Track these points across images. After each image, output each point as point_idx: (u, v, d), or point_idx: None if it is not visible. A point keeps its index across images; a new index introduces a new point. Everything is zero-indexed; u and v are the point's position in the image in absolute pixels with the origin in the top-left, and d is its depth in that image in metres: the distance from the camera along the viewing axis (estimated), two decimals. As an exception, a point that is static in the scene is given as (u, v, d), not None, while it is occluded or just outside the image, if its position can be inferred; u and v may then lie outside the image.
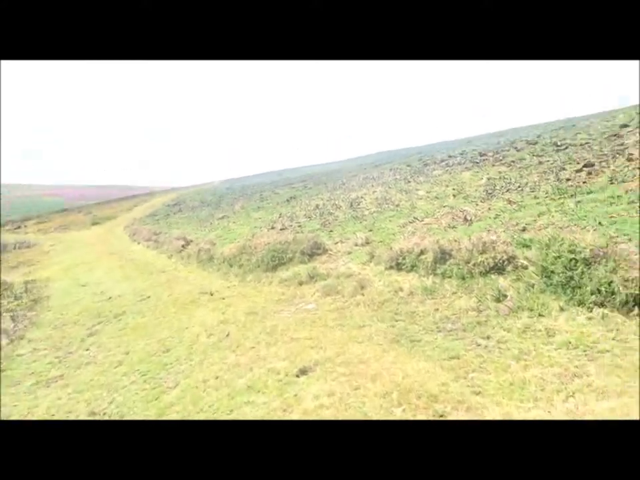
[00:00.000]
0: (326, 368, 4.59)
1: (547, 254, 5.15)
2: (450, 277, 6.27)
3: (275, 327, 6.19)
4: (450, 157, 19.57)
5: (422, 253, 7.00)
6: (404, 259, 7.23)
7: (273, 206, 19.29)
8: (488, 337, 4.57)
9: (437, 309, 5.61)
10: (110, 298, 9.88)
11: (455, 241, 6.86)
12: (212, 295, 8.78)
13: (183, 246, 14.38)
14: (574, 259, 4.80)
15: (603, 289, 4.38)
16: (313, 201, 17.83)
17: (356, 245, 9.49)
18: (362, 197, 15.42)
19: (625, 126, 14.14)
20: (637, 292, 4.12)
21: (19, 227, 33.68)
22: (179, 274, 11.44)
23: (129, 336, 7.13)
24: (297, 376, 4.55)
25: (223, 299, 8.34)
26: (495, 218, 8.69)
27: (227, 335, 6.27)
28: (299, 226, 13.12)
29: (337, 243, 10.14)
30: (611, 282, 4.34)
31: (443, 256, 6.66)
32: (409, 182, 16.26)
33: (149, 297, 9.52)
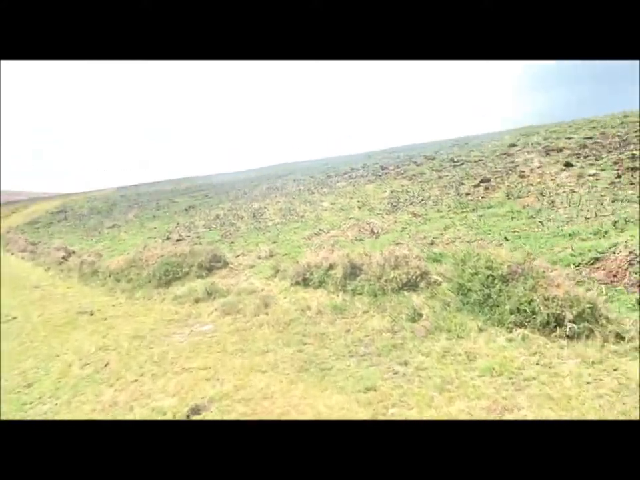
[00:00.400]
0: (223, 406, 3.86)
1: (462, 270, 4.90)
2: (361, 294, 5.83)
3: (164, 354, 5.30)
4: (352, 169, 19.90)
5: (331, 267, 6.50)
6: (311, 274, 6.66)
7: (170, 215, 18.36)
8: (405, 363, 4.14)
9: (349, 330, 5.13)
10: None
11: (366, 255, 6.46)
12: (92, 314, 7.53)
13: (63, 257, 12.82)
14: (491, 275, 4.58)
15: (522, 308, 4.19)
16: (214, 210, 17.19)
17: (259, 258, 8.75)
18: (265, 207, 15.04)
19: (513, 145, 15.16)
20: (559, 311, 3.94)
21: None
22: (55, 290, 9.92)
23: (-17, 368, 5.77)
24: (188, 417, 3.79)
25: (105, 319, 7.16)
26: (401, 231, 8.61)
27: (106, 365, 5.25)
28: (198, 237, 12.31)
29: (238, 255, 9.37)
30: (531, 301, 4.14)
31: (353, 271, 6.22)
32: (313, 193, 16.18)
33: (15, 317, 7.92)
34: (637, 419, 2.68)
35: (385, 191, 13.13)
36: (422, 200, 10.92)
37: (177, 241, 12.06)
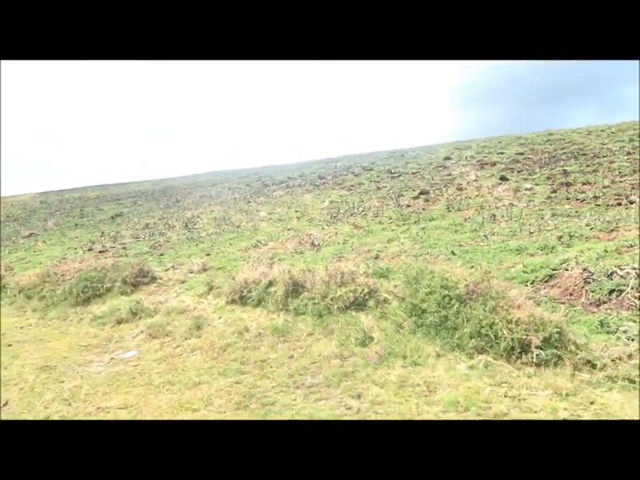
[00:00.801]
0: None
1: (416, 289, 4.54)
2: (304, 314, 5.31)
3: (76, 390, 4.48)
4: (289, 178, 19.58)
5: (270, 284, 5.90)
6: (249, 291, 6.00)
7: (95, 224, 16.57)
8: (359, 396, 3.69)
9: (292, 356, 4.62)
10: None
11: (309, 270, 5.95)
12: (-6, 340, 6.46)
13: None
14: (447, 295, 4.23)
15: (483, 331, 3.84)
16: (143, 219, 15.73)
17: (191, 272, 7.92)
18: (198, 216, 14.10)
19: (448, 158, 15.44)
20: (524, 336, 3.62)
21: None
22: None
23: None
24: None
25: (10, 345, 6.11)
26: (343, 243, 8.28)
27: (4, 405, 4.38)
28: (124, 248, 11.15)
29: (168, 269, 8.46)
30: (492, 324, 3.82)
31: (295, 288, 5.66)
32: (249, 202, 15.59)
33: None
34: (637, 419, 2.65)
35: (324, 201, 12.89)
36: (362, 211, 10.76)
37: (100, 252, 10.85)
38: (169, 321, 5.98)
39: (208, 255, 9.16)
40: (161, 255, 9.88)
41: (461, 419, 3.07)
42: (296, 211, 12.22)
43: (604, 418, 2.93)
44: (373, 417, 3.35)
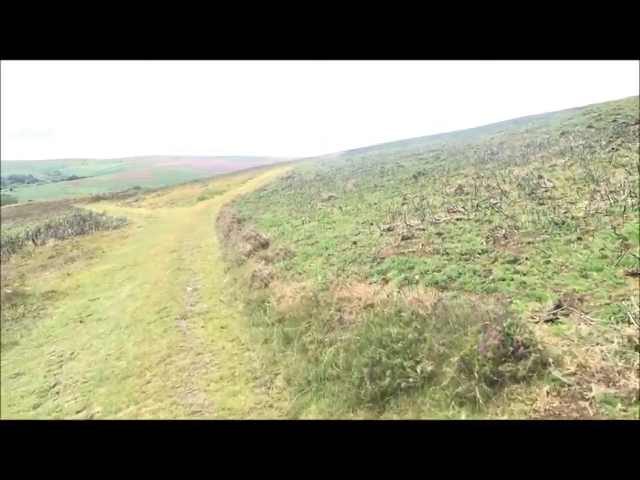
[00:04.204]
0: None
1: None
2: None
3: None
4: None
5: None
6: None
7: (395, 184, 13.59)
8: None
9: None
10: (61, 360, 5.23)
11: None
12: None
13: (249, 253, 8.46)
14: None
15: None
16: (453, 178, 11.82)
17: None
18: (540, 175, 9.13)
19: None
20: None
21: (137, 200, 34.95)
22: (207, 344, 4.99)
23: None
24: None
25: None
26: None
27: None
28: (439, 234, 6.52)
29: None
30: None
31: None
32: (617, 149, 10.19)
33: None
34: (637, 419, 2.56)
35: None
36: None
37: (404, 239, 6.71)
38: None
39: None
40: (519, 263, 4.70)
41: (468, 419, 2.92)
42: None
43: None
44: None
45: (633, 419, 2.43)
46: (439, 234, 6.52)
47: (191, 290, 7.36)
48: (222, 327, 5.40)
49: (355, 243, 7.36)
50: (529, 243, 5.23)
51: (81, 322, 6.67)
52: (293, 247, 8.16)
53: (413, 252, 5.94)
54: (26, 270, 11.82)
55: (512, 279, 4.27)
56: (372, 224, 8.54)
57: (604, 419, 2.41)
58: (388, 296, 4.06)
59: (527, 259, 4.73)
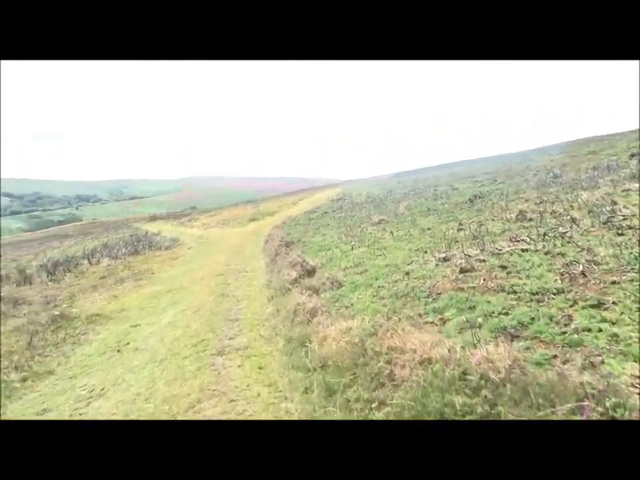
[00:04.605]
0: None
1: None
2: None
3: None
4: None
5: None
6: None
7: (450, 208, 12.88)
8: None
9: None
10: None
11: None
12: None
13: (294, 281, 8.09)
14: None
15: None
16: (513, 203, 11.03)
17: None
18: (614, 202, 8.08)
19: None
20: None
21: (190, 220, 35.87)
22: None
23: None
24: None
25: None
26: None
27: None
28: (503, 268, 5.79)
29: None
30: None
31: None
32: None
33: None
34: (637, 419, 2.51)
35: None
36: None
37: (463, 271, 6.03)
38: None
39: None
40: (605, 308, 3.98)
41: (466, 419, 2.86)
42: None
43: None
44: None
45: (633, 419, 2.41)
46: (503, 267, 5.80)
47: (231, 320, 6.99)
48: (260, 368, 4.90)
49: (407, 273, 6.79)
50: (614, 282, 4.45)
51: (118, 351, 6.43)
52: (340, 276, 7.65)
53: (474, 288, 5.28)
54: (77, 290, 11.99)
55: (599, 330, 3.55)
56: (426, 252, 7.92)
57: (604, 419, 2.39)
58: (449, 351, 3.42)
59: (614, 303, 3.99)
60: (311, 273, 8.67)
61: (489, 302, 4.65)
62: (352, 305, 5.96)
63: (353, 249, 10.10)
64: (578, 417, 2.49)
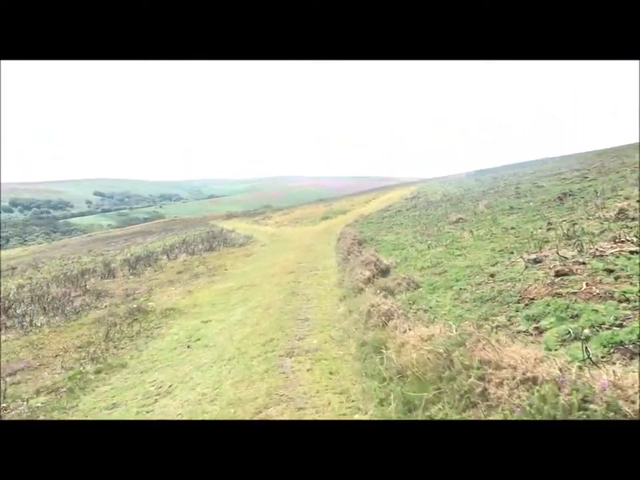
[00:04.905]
0: None
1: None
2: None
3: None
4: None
5: None
6: None
7: (535, 207, 11.46)
8: None
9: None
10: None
11: None
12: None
13: (367, 280, 7.51)
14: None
15: None
16: (611, 200, 9.64)
17: None
18: None
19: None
20: None
21: (264, 218, 37.12)
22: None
23: None
24: None
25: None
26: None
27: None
28: (600, 259, 5.41)
29: None
30: None
31: None
32: None
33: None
34: (637, 419, 2.39)
35: None
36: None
37: (559, 275, 5.23)
38: None
39: None
40: None
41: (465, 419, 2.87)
42: None
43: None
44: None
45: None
46: (609, 271, 4.98)
47: (301, 320, 6.70)
48: (330, 373, 4.55)
49: (492, 275, 6.04)
50: None
51: (188, 347, 6.43)
52: (417, 276, 7.04)
53: (574, 293, 4.57)
54: (155, 284, 12.41)
55: None
56: (512, 252, 7.07)
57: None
58: (561, 371, 2.79)
59: None
60: (385, 272, 8.15)
61: (596, 311, 3.95)
62: (430, 308, 5.42)
63: (429, 248, 9.42)
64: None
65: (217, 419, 3.98)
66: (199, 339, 6.71)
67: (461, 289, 5.86)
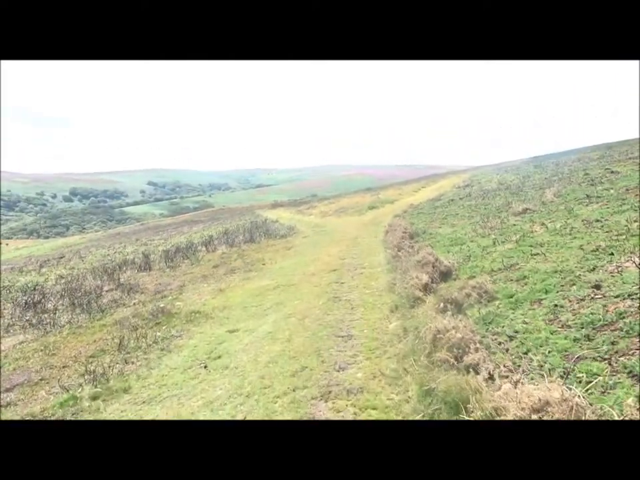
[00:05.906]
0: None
1: None
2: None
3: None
4: None
5: None
6: None
7: (619, 195, 9.41)
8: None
9: None
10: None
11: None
12: None
13: (425, 287, 6.38)
14: None
15: None
16: None
17: None
18: None
19: None
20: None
21: (309, 208, 35.63)
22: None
23: None
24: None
25: None
26: None
27: None
28: None
29: None
30: None
31: None
32: None
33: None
34: (637, 419, 2.41)
35: None
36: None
37: None
38: None
39: None
40: None
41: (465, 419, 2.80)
42: None
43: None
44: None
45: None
46: None
47: (342, 337, 5.54)
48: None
49: (597, 287, 4.47)
50: None
51: (205, 367, 5.50)
52: (489, 284, 5.61)
53: None
54: (188, 279, 11.89)
55: None
56: (612, 253, 5.35)
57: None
58: None
59: None
60: (446, 275, 6.88)
61: None
62: (517, 333, 4.05)
63: (494, 244, 8.05)
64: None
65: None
66: (219, 357, 5.74)
67: (555, 305, 4.41)
